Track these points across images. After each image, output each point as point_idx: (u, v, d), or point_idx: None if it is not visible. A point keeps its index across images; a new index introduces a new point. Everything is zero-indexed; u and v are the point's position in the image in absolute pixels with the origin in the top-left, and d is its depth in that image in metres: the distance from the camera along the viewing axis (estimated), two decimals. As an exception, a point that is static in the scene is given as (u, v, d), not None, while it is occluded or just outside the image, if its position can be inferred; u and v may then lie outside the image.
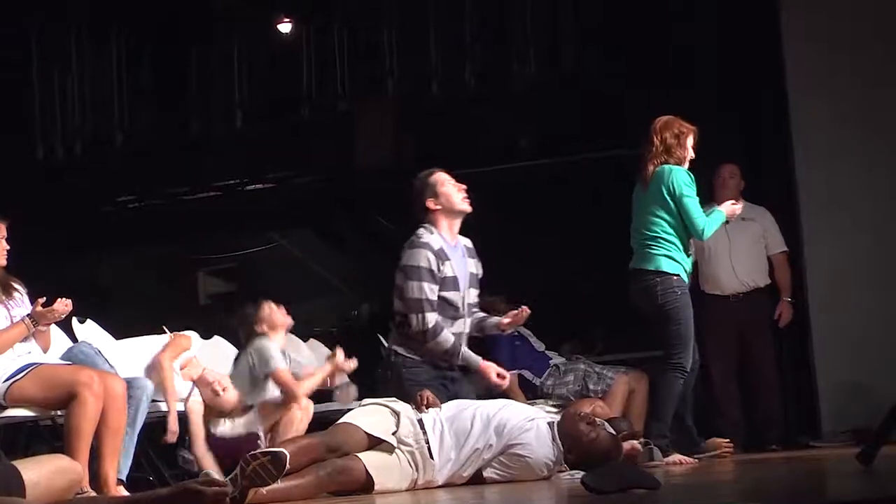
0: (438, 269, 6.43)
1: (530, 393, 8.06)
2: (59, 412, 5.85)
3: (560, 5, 10.22)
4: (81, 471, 4.87)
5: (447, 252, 6.50)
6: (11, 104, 11.47)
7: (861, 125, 8.45)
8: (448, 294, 6.47)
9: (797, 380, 8.54)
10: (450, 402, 6.06)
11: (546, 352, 8.43)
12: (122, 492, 5.75)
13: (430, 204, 6.56)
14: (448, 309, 6.49)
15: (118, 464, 5.84)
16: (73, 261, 12.08)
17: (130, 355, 6.62)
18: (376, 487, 5.54)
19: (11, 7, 11.05)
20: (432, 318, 6.39)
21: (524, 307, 6.69)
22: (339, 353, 7.51)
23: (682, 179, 6.78)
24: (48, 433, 6.47)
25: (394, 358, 6.50)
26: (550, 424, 5.96)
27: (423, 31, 10.58)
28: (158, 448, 6.91)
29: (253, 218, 12.31)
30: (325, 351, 8.69)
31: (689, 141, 6.94)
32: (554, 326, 8.79)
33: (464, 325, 6.58)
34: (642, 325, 7.22)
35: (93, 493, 5.40)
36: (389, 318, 6.79)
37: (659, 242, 6.84)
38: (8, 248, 5.97)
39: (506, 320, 6.71)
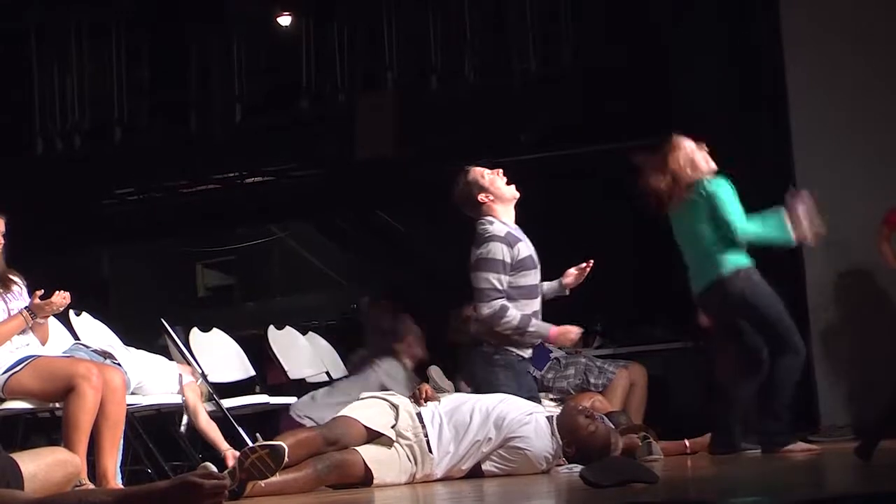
0: (512, 256, 6.49)
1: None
2: (57, 404, 5.84)
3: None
4: (80, 463, 4.87)
5: (515, 234, 6.58)
6: (10, 98, 11.46)
7: (862, 120, 8.45)
8: (529, 273, 6.55)
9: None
10: (449, 396, 6.08)
11: (546, 345, 8.42)
12: (120, 484, 5.75)
13: (483, 198, 6.63)
14: (533, 291, 6.58)
15: (117, 456, 5.84)
16: (72, 253, 12.09)
17: (137, 367, 6.59)
18: (375, 481, 5.55)
19: (11, 1, 11.04)
20: (498, 303, 6.42)
21: (590, 260, 6.70)
22: None
23: (718, 183, 6.66)
24: (47, 425, 6.47)
25: (486, 347, 6.51)
26: (549, 418, 5.97)
27: (423, 25, 10.57)
28: (157, 441, 6.91)
29: (252, 211, 12.31)
30: (324, 344, 8.73)
31: (694, 154, 6.77)
32: (553, 320, 8.78)
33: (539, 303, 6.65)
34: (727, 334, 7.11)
35: (91, 486, 5.40)
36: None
37: (714, 248, 6.65)
38: (3, 242, 5.96)
39: (568, 279, 6.73)
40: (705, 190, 6.67)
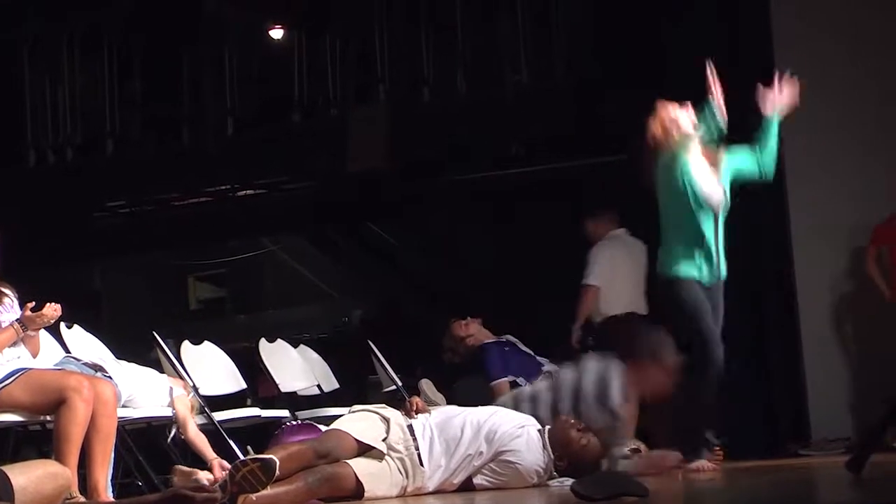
0: None
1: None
2: (48, 417, 5.83)
3: (551, 11, 10.22)
4: (70, 476, 4.85)
5: None
6: (2, 111, 11.45)
7: (852, 121, 8.47)
8: None
9: (787, 388, 8.55)
10: (439, 409, 6.07)
11: (538, 357, 8.43)
12: (110, 497, 5.74)
13: None
14: None
15: (108, 469, 5.83)
16: (64, 266, 12.08)
17: (128, 380, 6.59)
18: (366, 494, 5.54)
19: (3, 15, 11.05)
20: None
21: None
22: None
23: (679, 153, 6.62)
24: (38, 438, 6.45)
25: None
26: (541, 431, 5.97)
27: (415, 37, 10.59)
28: (147, 454, 6.90)
29: (244, 224, 12.31)
30: (315, 357, 8.71)
31: (673, 117, 6.70)
32: (545, 332, 8.80)
33: None
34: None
35: (82, 499, 5.39)
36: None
37: (665, 243, 6.71)
38: (-2, 255, 5.96)
39: None
40: (669, 158, 6.62)
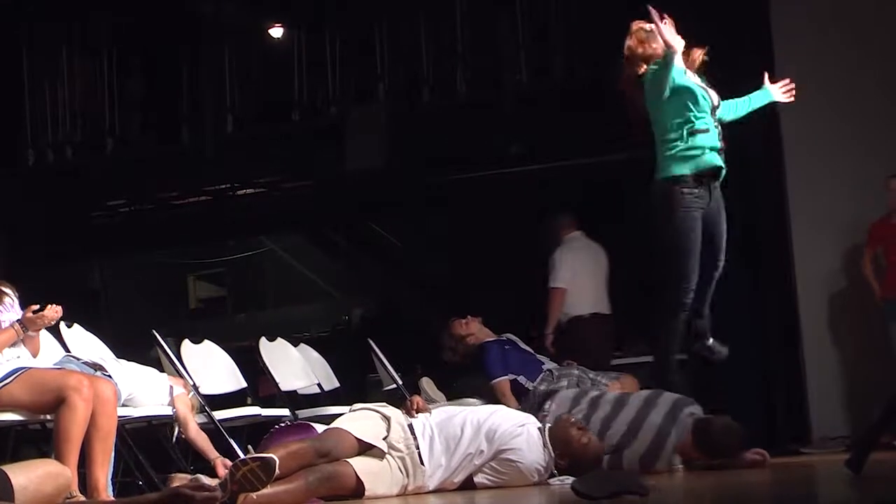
0: None
1: (522, 397, 8.06)
2: (48, 416, 5.83)
3: (551, 11, 10.23)
4: (70, 475, 4.85)
5: None
6: (2, 109, 11.45)
7: (852, 138, 8.47)
8: None
9: (787, 387, 8.55)
10: (440, 408, 6.07)
11: (538, 356, 8.43)
12: (111, 496, 5.74)
13: None
14: None
15: (108, 468, 5.83)
16: (64, 265, 12.09)
17: (128, 379, 6.59)
18: (367, 493, 5.53)
19: (3, 15, 11.05)
20: None
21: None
22: None
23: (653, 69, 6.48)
24: (38, 437, 6.45)
25: None
26: (541, 430, 5.97)
27: (415, 38, 10.59)
28: (148, 453, 6.91)
29: (244, 223, 12.31)
30: (315, 356, 8.71)
31: (647, 33, 6.55)
32: (544, 331, 8.80)
33: None
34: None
35: (82, 498, 5.39)
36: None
37: (663, 149, 6.48)
38: (-4, 256, 5.97)
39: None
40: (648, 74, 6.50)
